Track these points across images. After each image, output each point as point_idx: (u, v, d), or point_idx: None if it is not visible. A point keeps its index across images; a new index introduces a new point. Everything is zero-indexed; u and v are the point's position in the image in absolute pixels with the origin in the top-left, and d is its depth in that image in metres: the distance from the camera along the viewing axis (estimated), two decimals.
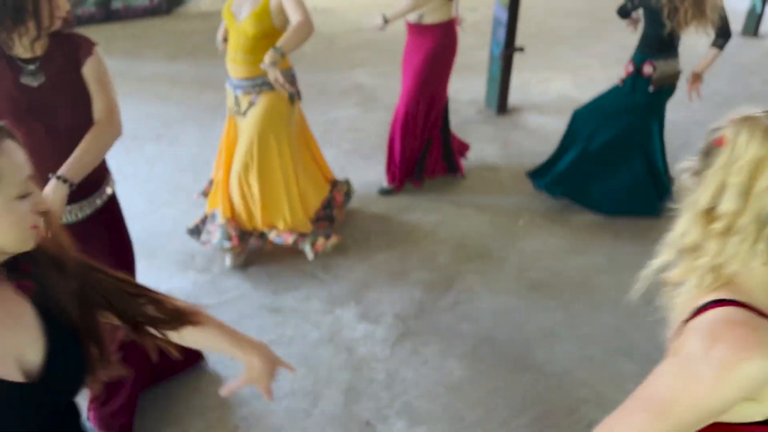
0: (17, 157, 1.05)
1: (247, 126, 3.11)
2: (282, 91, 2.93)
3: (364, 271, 3.36)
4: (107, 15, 7.34)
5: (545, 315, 3.10)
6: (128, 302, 1.25)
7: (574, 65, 6.52)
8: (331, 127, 5.03)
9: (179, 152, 4.63)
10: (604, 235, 3.71)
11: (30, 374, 1.07)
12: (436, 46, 3.72)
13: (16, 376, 1.05)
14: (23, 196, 1.05)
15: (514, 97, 5.40)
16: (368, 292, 3.22)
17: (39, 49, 1.90)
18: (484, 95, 5.38)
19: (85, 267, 1.20)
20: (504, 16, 4.87)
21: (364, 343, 2.91)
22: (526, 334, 2.99)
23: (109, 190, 2.17)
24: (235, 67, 3.06)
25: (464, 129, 4.88)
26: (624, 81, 3.65)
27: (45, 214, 1.10)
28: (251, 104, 3.09)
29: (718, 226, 1.05)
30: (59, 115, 1.95)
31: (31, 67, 1.89)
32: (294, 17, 2.81)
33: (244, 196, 3.20)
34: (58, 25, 1.91)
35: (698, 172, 1.10)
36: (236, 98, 3.14)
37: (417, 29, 3.75)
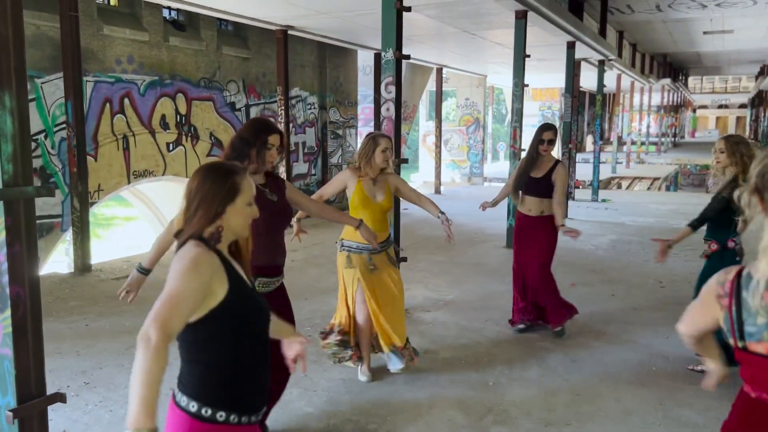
0: (250, 182, 1.94)
1: (393, 272, 4.12)
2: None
3: None
4: None
5: None
6: None
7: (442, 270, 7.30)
8: None
9: None
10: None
11: None
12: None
13: None
14: (249, 204, 1.92)
15: None
16: None
17: (260, 179, 3.12)
18: None
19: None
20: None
21: None
22: None
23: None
24: (377, 236, 3.84)
25: None
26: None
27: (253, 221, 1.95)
28: (389, 258, 4.10)
29: None
30: (281, 212, 3.23)
31: (267, 189, 3.14)
32: (419, 195, 4.20)
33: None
34: (268, 168, 3.15)
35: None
36: (370, 259, 4.00)
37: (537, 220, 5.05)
